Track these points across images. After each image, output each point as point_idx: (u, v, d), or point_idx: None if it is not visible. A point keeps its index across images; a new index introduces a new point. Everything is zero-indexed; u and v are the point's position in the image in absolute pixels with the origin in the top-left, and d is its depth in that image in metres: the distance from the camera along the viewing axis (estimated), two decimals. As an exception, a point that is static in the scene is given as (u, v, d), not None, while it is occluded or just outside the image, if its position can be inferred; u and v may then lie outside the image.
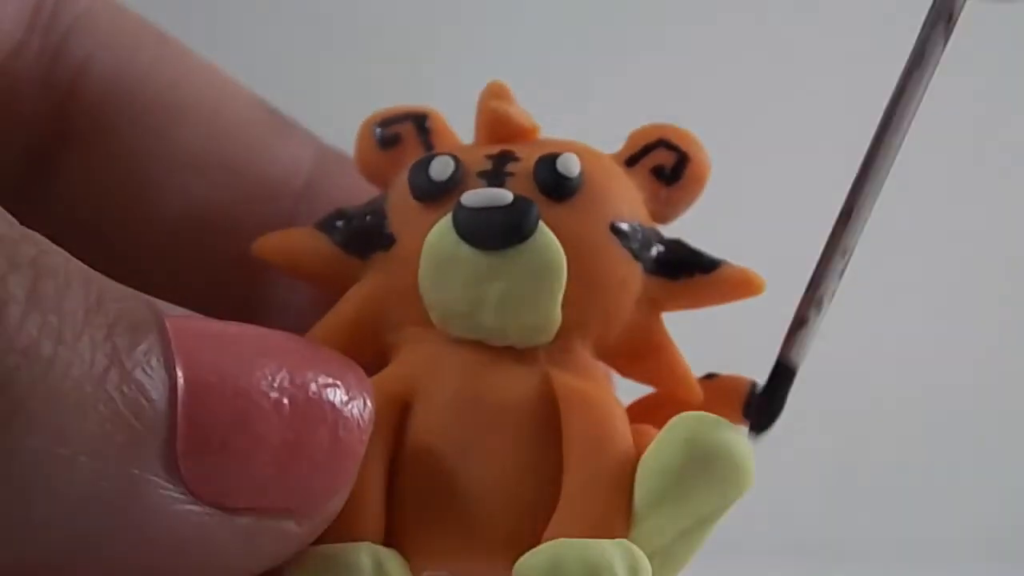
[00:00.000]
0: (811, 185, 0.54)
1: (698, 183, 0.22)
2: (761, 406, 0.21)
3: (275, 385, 0.18)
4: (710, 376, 0.22)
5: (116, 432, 0.17)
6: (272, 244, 0.22)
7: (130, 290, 0.18)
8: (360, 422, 0.19)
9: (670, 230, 0.22)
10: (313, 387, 0.18)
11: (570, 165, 0.20)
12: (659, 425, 0.22)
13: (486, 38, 0.55)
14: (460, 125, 0.23)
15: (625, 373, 0.22)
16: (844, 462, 0.55)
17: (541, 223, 0.20)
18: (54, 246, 0.17)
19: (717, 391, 0.22)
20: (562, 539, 0.19)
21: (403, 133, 0.22)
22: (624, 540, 0.19)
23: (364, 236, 0.21)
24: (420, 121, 0.22)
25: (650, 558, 0.19)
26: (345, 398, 0.19)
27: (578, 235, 0.20)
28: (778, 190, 0.53)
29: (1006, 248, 0.56)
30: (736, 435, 0.20)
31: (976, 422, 0.55)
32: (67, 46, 0.23)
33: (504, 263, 0.20)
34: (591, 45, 0.55)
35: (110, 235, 0.24)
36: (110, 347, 0.17)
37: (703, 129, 0.22)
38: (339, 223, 0.22)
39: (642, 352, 0.22)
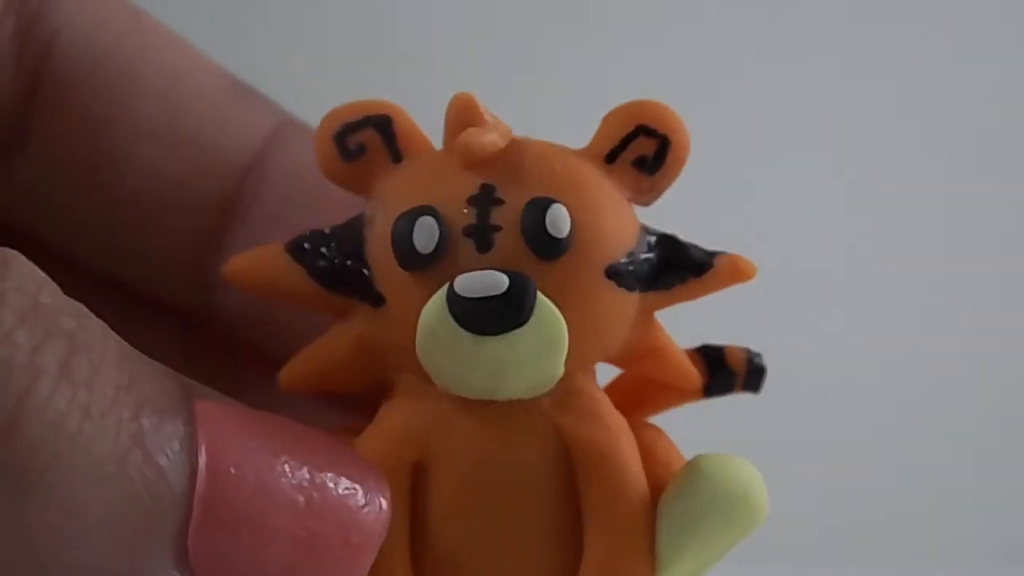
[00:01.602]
0: (802, 170, 0.54)
1: (680, 163, 0.21)
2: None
3: (294, 483, 0.18)
4: (705, 348, 0.23)
5: (131, 514, 0.17)
6: (244, 270, 0.21)
7: (165, 369, 0.18)
8: (374, 527, 0.19)
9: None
10: (332, 488, 0.18)
11: (560, 224, 0.19)
12: (656, 405, 0.23)
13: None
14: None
15: (623, 369, 0.22)
16: (844, 461, 0.55)
17: (539, 295, 0.19)
18: (95, 319, 0.17)
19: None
20: None
21: (367, 142, 0.20)
22: None
23: (345, 279, 0.20)
24: (383, 126, 0.20)
25: None
26: (362, 502, 0.19)
27: (574, 291, 0.20)
28: (771, 177, 0.53)
29: (1006, 248, 0.55)
30: (753, 474, 0.20)
31: (976, 422, 0.55)
32: (39, 19, 0.23)
33: (506, 345, 0.19)
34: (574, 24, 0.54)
35: (73, 205, 0.24)
36: (136, 427, 0.17)
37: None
38: (316, 256, 0.21)
39: (639, 354, 0.21)
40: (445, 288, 0.19)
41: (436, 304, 0.19)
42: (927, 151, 0.53)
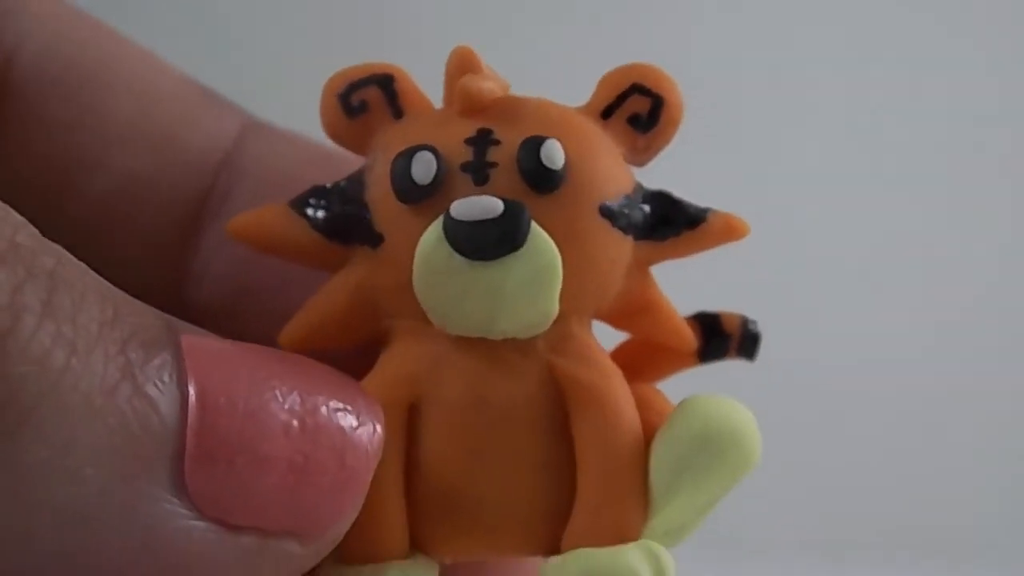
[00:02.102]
0: (808, 155, 0.54)
1: (674, 125, 0.21)
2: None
3: (285, 407, 0.18)
4: (701, 315, 0.23)
5: (124, 445, 0.17)
6: (248, 226, 0.22)
7: (147, 307, 0.18)
8: (368, 448, 0.19)
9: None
10: (323, 411, 0.18)
11: (554, 156, 0.20)
12: (653, 372, 0.23)
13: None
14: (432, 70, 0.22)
15: (619, 328, 0.22)
16: (844, 462, 0.54)
17: (533, 223, 0.20)
18: (74, 259, 0.18)
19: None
20: (587, 550, 0.20)
21: (369, 100, 0.21)
22: (647, 542, 0.20)
23: (346, 225, 0.21)
24: (386, 84, 0.21)
25: (664, 534, 0.20)
26: (355, 424, 0.19)
27: (568, 225, 0.20)
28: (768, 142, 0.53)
29: (1006, 248, 0.55)
30: (746, 417, 0.20)
31: (976, 422, 0.55)
32: (1, 29, 0.23)
33: (500, 271, 0.19)
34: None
35: (43, 208, 0.24)
36: (123, 361, 0.17)
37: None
38: (317, 207, 0.21)
39: (635, 310, 0.22)
40: (441, 216, 0.20)
41: (432, 232, 0.20)
42: (934, 138, 0.54)
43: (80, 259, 0.18)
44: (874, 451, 0.55)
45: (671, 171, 0.23)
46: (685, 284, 0.23)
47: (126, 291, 0.18)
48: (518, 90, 0.22)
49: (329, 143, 0.23)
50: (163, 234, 0.24)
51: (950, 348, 0.55)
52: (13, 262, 0.17)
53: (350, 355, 0.22)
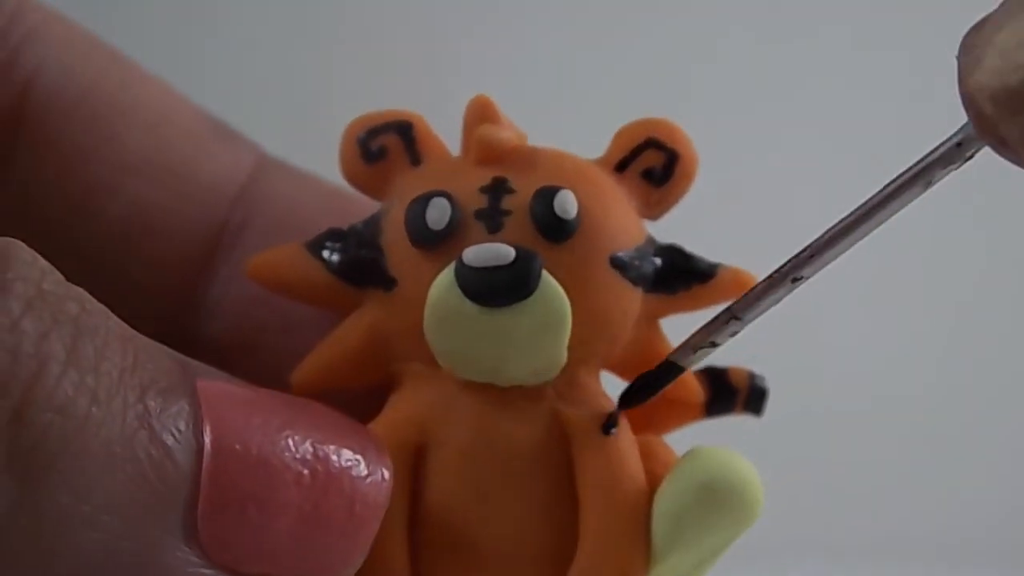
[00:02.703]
0: (801, 175, 0.54)
1: (687, 179, 0.22)
2: (639, 389, 0.21)
3: (298, 456, 0.18)
4: (710, 369, 0.23)
5: (140, 493, 0.17)
6: (265, 267, 0.22)
7: (165, 349, 0.19)
8: (378, 498, 0.19)
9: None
10: (335, 460, 0.19)
11: (567, 206, 0.20)
12: (659, 424, 0.23)
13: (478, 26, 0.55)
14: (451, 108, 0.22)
15: (627, 379, 0.23)
16: (843, 462, 0.54)
17: (544, 272, 0.20)
18: (97, 304, 0.18)
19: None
20: None
21: (388, 145, 0.22)
22: None
23: (361, 268, 0.21)
24: (405, 131, 0.22)
25: None
26: (365, 473, 0.19)
27: (580, 275, 0.20)
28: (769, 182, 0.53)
29: (1007, 249, 0.55)
30: (748, 469, 0.20)
31: (975, 421, 0.55)
32: (20, 55, 0.24)
33: (510, 318, 0.20)
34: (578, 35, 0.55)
35: (57, 235, 0.24)
36: (142, 408, 0.17)
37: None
38: (333, 250, 0.22)
39: (643, 361, 0.22)
40: (454, 262, 0.20)
41: (445, 277, 0.20)
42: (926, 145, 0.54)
43: (93, 287, 0.18)
44: (876, 455, 0.54)
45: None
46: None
47: (138, 320, 0.18)
48: (535, 140, 0.22)
49: (342, 182, 0.23)
50: (176, 265, 0.25)
51: (950, 349, 0.55)
52: (40, 309, 0.17)
53: (361, 396, 0.22)
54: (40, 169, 0.24)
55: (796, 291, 0.20)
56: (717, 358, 0.24)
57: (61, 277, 0.18)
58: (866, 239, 0.20)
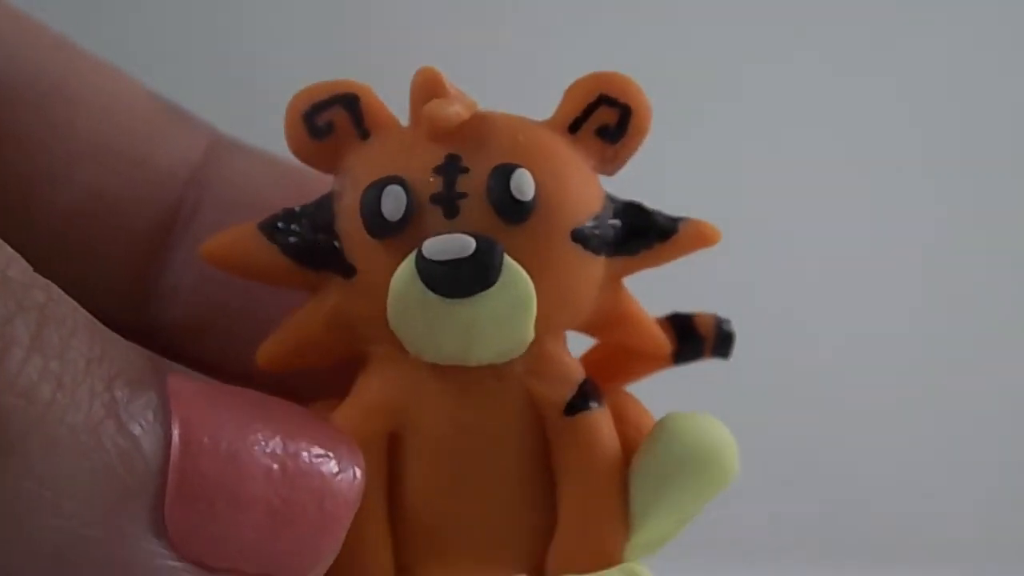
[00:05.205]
0: (801, 162, 0.54)
1: (642, 133, 0.21)
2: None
3: (267, 451, 0.18)
4: (675, 316, 0.23)
5: (107, 483, 0.17)
6: (220, 250, 0.22)
7: (134, 346, 0.18)
8: (348, 494, 0.19)
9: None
10: (305, 456, 0.19)
11: (524, 187, 0.20)
12: (627, 374, 0.23)
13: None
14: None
15: (593, 337, 0.23)
16: (843, 463, 0.55)
17: (506, 258, 0.20)
18: (65, 296, 0.18)
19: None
20: None
21: (335, 120, 0.21)
22: (630, 565, 0.20)
23: (317, 254, 0.21)
24: (351, 104, 0.21)
25: (643, 547, 0.21)
26: (335, 470, 0.19)
27: (541, 254, 0.20)
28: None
29: (1008, 249, 0.56)
30: (724, 433, 0.21)
31: (975, 421, 0.55)
32: None
33: (475, 307, 0.19)
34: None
35: (7, 226, 0.24)
36: (108, 398, 0.17)
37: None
38: (288, 232, 0.21)
39: (609, 321, 0.22)
40: (414, 254, 0.19)
41: (405, 270, 0.20)
42: (929, 144, 0.54)
43: (46, 275, 0.18)
44: (872, 455, 0.55)
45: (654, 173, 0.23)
46: (670, 286, 0.23)
47: (95, 308, 0.18)
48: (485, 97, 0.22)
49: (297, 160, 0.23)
50: (130, 251, 0.24)
51: (949, 351, 0.55)
52: (4, 295, 0.17)
53: (328, 371, 0.22)
54: None
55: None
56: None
57: (28, 266, 0.18)
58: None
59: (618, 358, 0.23)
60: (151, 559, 0.17)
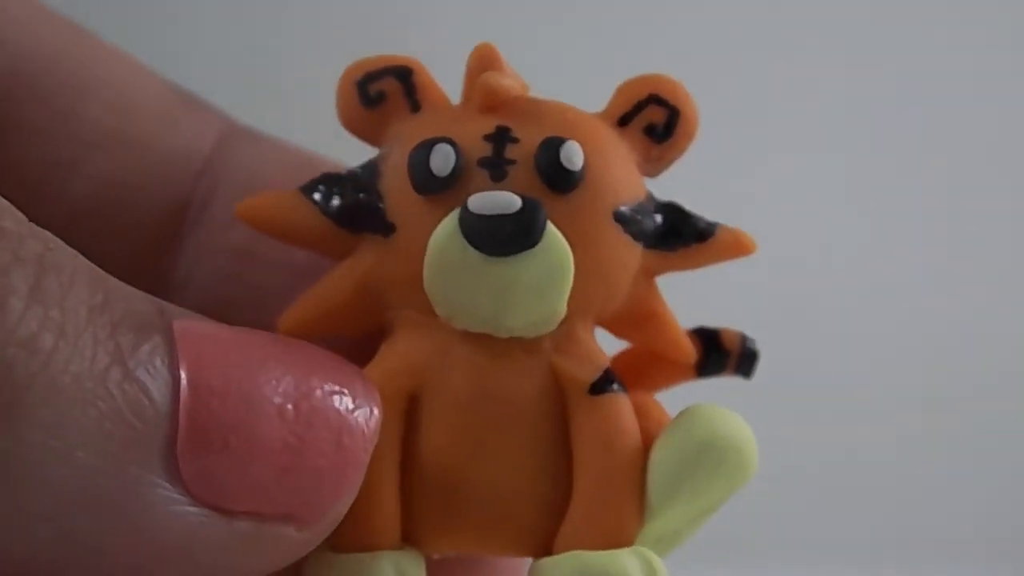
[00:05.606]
0: (804, 166, 0.54)
1: (688, 138, 0.22)
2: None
3: (280, 390, 0.18)
4: (702, 330, 0.23)
5: (115, 429, 0.17)
6: (258, 209, 0.22)
7: (138, 291, 0.18)
8: (365, 430, 0.19)
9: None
10: (318, 393, 0.18)
11: (573, 157, 0.20)
12: (650, 382, 0.23)
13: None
14: (446, 67, 0.22)
15: (620, 336, 0.22)
16: (843, 463, 0.55)
17: (548, 223, 0.20)
18: (63, 244, 0.17)
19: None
20: (581, 552, 0.20)
21: (388, 91, 0.21)
22: (641, 548, 0.20)
23: (358, 213, 0.21)
24: (404, 76, 0.21)
25: (657, 541, 0.20)
26: (351, 406, 0.19)
27: (582, 227, 0.20)
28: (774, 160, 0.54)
29: (1009, 249, 0.56)
30: (745, 427, 0.20)
31: (975, 421, 0.55)
32: None
33: (513, 268, 0.19)
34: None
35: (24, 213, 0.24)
36: (113, 345, 0.17)
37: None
38: (329, 194, 0.21)
39: (637, 318, 0.22)
40: (458, 210, 0.20)
41: (448, 225, 0.20)
42: (928, 146, 0.54)
43: None
44: (874, 455, 0.55)
45: (679, 181, 0.23)
46: (689, 292, 0.23)
47: None
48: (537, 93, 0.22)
49: (311, 149, 0.23)
50: (142, 240, 0.24)
51: (949, 352, 0.55)
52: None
53: (350, 344, 0.21)
54: (3, 147, 0.23)
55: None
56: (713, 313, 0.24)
57: (23, 216, 0.17)
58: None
59: (642, 366, 0.23)
60: (167, 504, 0.17)
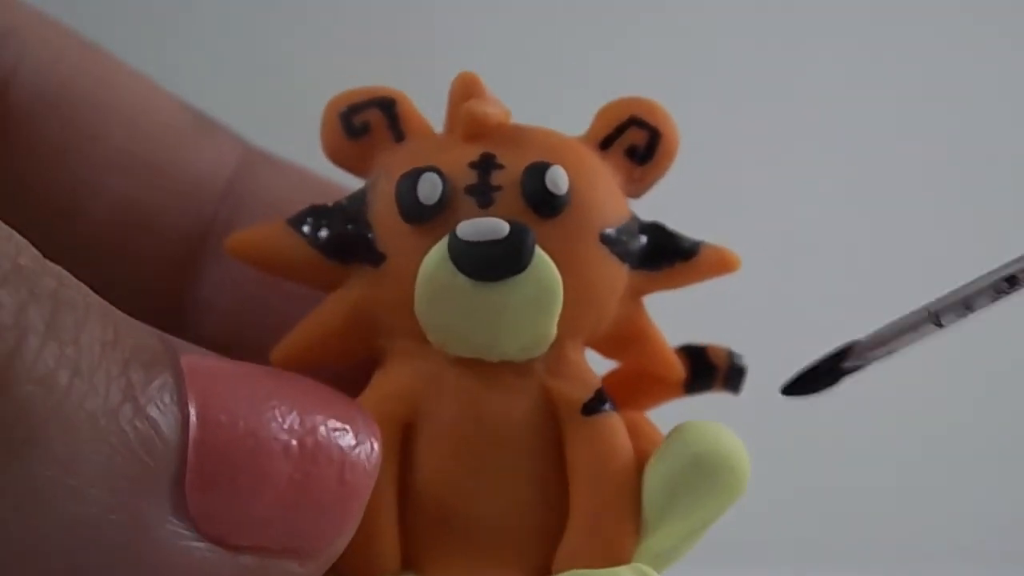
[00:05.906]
0: (800, 169, 0.55)
1: (669, 158, 0.22)
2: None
3: (285, 427, 0.18)
4: (689, 347, 0.23)
5: (127, 466, 0.17)
6: (246, 243, 0.22)
7: (146, 327, 0.18)
8: (367, 465, 0.19)
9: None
10: (322, 430, 0.19)
11: (559, 181, 0.20)
12: (640, 400, 0.23)
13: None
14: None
15: (609, 356, 0.23)
16: (842, 463, 0.55)
17: (537, 247, 0.20)
18: (75, 280, 0.18)
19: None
20: (580, 571, 0.20)
21: (372, 121, 0.21)
22: (639, 565, 0.20)
23: (347, 244, 0.21)
24: (388, 107, 0.22)
25: (655, 557, 0.21)
26: (353, 442, 0.19)
27: (570, 250, 0.20)
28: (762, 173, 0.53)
29: (1013, 247, 0.56)
30: (737, 442, 0.21)
31: (975, 419, 0.55)
32: None
33: (503, 293, 0.20)
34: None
35: (39, 233, 0.24)
36: (125, 382, 0.17)
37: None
38: (317, 225, 0.21)
39: (626, 338, 0.22)
40: (447, 237, 0.20)
41: (437, 252, 0.20)
42: (928, 145, 0.54)
43: None
44: (874, 458, 0.55)
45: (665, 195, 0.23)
46: (678, 306, 0.23)
47: None
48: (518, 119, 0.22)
49: (328, 175, 0.23)
50: (162, 262, 0.24)
51: (949, 352, 0.55)
52: (16, 283, 0.17)
53: (342, 374, 0.22)
54: (20, 170, 0.24)
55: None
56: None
57: (38, 253, 0.17)
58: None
59: (631, 384, 0.23)
60: (174, 539, 0.17)
